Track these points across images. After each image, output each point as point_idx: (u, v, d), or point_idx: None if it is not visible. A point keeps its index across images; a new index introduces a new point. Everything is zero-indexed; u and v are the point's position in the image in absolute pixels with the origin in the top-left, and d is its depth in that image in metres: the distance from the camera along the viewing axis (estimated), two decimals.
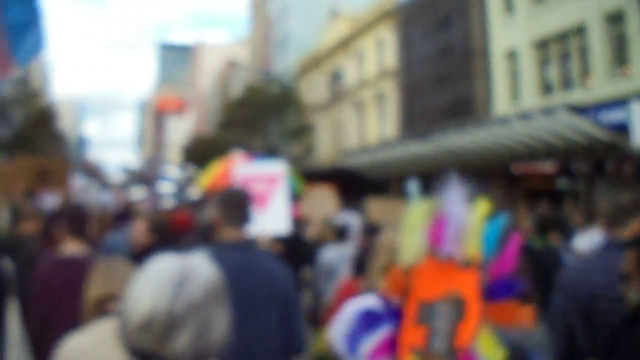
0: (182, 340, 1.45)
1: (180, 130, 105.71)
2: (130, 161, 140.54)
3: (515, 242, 1.68)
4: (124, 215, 8.32)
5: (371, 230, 6.76)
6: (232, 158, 10.85)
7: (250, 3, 66.68)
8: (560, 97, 19.02)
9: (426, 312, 1.65)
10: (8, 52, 3.42)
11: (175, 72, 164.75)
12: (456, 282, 1.65)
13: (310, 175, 31.72)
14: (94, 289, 2.65)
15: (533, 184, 20.61)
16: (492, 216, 1.71)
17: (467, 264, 1.66)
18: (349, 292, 4.02)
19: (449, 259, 1.69)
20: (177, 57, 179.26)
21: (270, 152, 38.42)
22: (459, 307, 1.63)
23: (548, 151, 17.45)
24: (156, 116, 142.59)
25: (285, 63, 48.72)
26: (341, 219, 9.86)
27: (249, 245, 3.20)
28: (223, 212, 3.18)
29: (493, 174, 20.65)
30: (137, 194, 32.43)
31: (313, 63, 42.22)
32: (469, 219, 1.70)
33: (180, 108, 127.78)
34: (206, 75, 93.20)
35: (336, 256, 6.11)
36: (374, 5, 33.59)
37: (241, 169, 5.54)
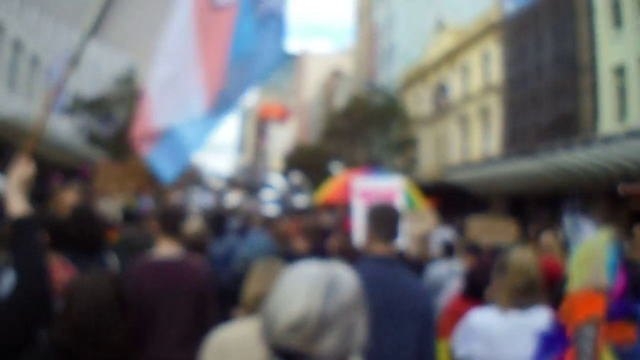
0: (329, 342, 1.50)
1: (282, 138, 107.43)
2: (225, 168, 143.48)
3: (623, 266, 1.82)
4: (219, 219, 8.33)
5: (473, 249, 6.83)
6: (348, 172, 11.00)
7: (355, 13, 67.34)
8: None
9: (577, 334, 1.80)
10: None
11: (279, 79, 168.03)
12: (593, 306, 1.79)
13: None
14: (252, 287, 2.75)
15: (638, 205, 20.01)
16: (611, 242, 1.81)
17: (598, 289, 1.82)
18: (460, 308, 4.27)
19: (597, 288, 1.88)
20: (282, 64, 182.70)
21: (373, 164, 38.67)
22: (595, 329, 1.78)
23: None
24: (258, 123, 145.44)
25: (390, 75, 48.88)
26: (441, 235, 10.02)
27: (396, 260, 3.25)
28: (373, 226, 3.24)
29: (598, 194, 20.16)
30: (233, 199, 32.90)
31: (418, 75, 42.31)
32: (595, 247, 1.87)
33: (282, 116, 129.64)
34: (310, 84, 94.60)
35: (445, 272, 6.23)
36: (480, 17, 33.39)
37: (359, 182, 5.49)
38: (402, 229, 3.34)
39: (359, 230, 4.94)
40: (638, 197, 20.02)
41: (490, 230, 8.78)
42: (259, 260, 3.13)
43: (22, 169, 2.53)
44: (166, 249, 4.03)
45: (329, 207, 14.73)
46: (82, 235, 3.87)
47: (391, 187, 5.49)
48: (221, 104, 3.44)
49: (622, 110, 21.52)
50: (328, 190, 12.96)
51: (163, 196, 10.03)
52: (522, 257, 3.37)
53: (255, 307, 2.58)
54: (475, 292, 4.36)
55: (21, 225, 2.33)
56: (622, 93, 21.51)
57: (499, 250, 6.07)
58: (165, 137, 3.31)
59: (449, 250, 7.14)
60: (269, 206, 24.85)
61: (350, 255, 4.66)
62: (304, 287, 1.54)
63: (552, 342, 1.97)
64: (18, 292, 2.12)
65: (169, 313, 3.74)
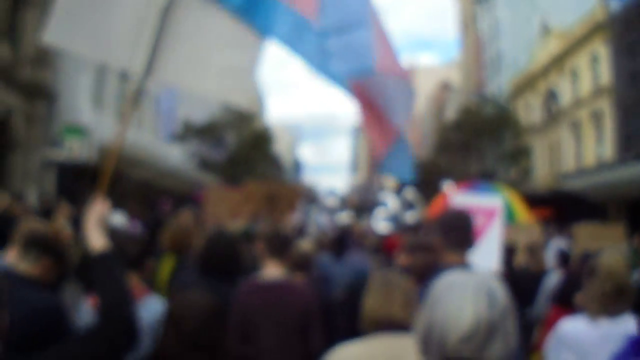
0: (497, 348, 1.54)
1: None
2: (340, 186, 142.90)
3: None
4: (342, 239, 8.24)
5: (562, 257, 6.89)
6: (450, 188, 10.87)
7: (460, 24, 66.83)
8: None
9: None
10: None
11: None
12: None
13: (526, 200, 31.18)
14: (371, 302, 2.69)
15: None
16: None
17: None
18: (553, 318, 4.21)
19: None
20: None
21: (486, 177, 38.13)
22: None
23: None
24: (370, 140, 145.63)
25: (499, 84, 48.24)
26: (556, 245, 10.00)
27: (469, 269, 3.01)
28: (444, 235, 3.18)
29: None
30: (345, 218, 32.78)
31: (527, 83, 41.48)
32: None
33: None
34: (420, 99, 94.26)
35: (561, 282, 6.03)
36: (586, 18, 32.46)
37: (458, 199, 5.31)
38: (507, 241, 3.28)
39: None
40: None
41: (598, 236, 8.59)
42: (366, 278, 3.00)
43: (100, 207, 2.65)
44: (272, 271, 4.14)
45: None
46: (222, 260, 4.13)
47: (491, 206, 5.13)
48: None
49: None
50: (434, 206, 12.91)
51: (280, 218, 9.75)
52: (612, 261, 3.25)
53: (374, 325, 2.62)
54: (567, 300, 4.24)
55: (102, 259, 2.43)
56: None
57: (588, 256, 6.17)
58: (398, 139, 3.42)
59: (564, 260, 7.11)
60: (382, 224, 24.69)
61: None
62: (469, 297, 1.58)
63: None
64: (104, 323, 2.23)
65: (274, 333, 3.84)
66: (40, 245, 3.04)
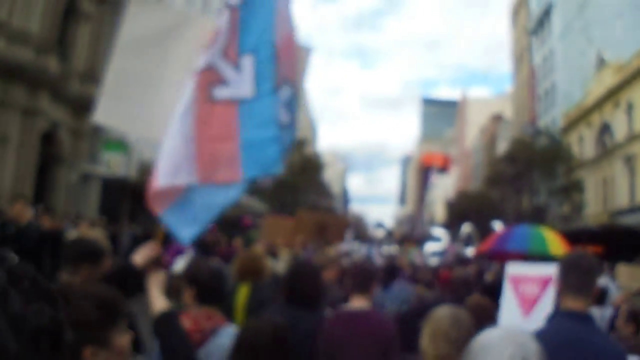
0: None
1: (444, 186, 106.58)
2: (387, 218, 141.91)
3: None
4: (391, 271, 8.33)
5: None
6: (500, 226, 10.73)
7: (513, 57, 66.51)
8: None
9: None
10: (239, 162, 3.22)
11: (439, 127, 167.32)
12: None
13: (578, 235, 30.57)
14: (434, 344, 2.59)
15: None
16: None
17: None
18: None
19: None
20: (440, 113, 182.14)
21: (537, 212, 37.47)
22: None
23: None
24: (420, 172, 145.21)
25: (552, 116, 47.67)
26: (602, 282, 9.55)
27: (590, 317, 2.96)
28: (564, 278, 3.03)
29: None
30: (391, 251, 31.78)
31: (580, 116, 40.86)
32: None
33: (444, 164, 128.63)
34: (471, 131, 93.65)
35: (597, 318, 6.18)
36: None
37: (513, 267, 5.15)
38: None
39: (504, 315, 4.85)
40: None
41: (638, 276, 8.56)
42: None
43: (159, 275, 2.97)
44: (358, 302, 4.41)
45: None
46: (306, 289, 4.32)
47: (546, 274, 4.96)
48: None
49: None
50: (484, 244, 12.80)
51: (325, 247, 10.17)
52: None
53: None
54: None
55: (165, 319, 2.75)
56: None
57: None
58: (181, 199, 3.35)
59: (601, 297, 7.03)
60: (432, 258, 24.54)
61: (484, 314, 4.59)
62: (508, 352, 1.69)
63: None
64: None
65: (358, 358, 4.07)
66: (78, 253, 3.34)
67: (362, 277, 4.48)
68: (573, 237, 31.45)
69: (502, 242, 8.70)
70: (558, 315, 3.00)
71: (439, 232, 55.47)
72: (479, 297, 5.33)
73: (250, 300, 5.15)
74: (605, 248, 28.12)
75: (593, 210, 36.95)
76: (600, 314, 6.21)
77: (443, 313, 2.56)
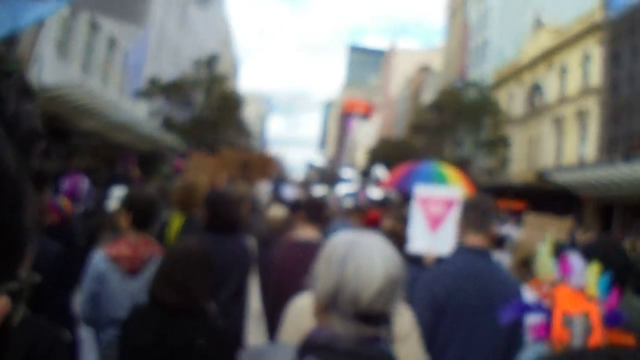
0: (399, 298, 1.72)
1: (366, 133, 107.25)
2: (315, 158, 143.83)
3: (616, 289, 2.23)
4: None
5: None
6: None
7: (447, 11, 66.52)
8: None
9: (567, 320, 2.14)
10: None
11: (365, 75, 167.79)
12: (586, 308, 2.16)
13: (503, 190, 31.26)
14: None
15: None
16: (604, 273, 2.26)
17: (591, 299, 2.19)
18: None
19: (579, 289, 2.23)
20: (367, 61, 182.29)
21: (461, 163, 37.95)
22: (589, 324, 2.13)
23: None
24: (342, 117, 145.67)
25: (481, 71, 48.07)
26: (504, 230, 10.74)
27: (487, 252, 3.29)
28: (465, 216, 3.35)
29: None
30: (319, 191, 32.49)
31: (512, 74, 41.38)
32: (588, 271, 2.25)
33: (367, 111, 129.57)
34: (397, 80, 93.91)
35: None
36: (582, 17, 32.31)
37: (420, 190, 5.57)
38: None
39: (413, 232, 5.28)
40: None
41: (544, 227, 8.73)
42: None
43: None
44: (308, 232, 4.63)
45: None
46: (217, 217, 4.46)
47: (451, 196, 5.47)
48: None
49: None
50: (389, 178, 13.35)
51: (251, 184, 10.60)
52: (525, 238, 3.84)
53: None
54: None
55: None
56: None
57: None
58: None
59: (499, 243, 7.95)
60: (345, 199, 24.48)
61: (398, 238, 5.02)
62: (377, 256, 1.69)
63: (532, 307, 2.28)
64: None
65: (302, 285, 4.11)
66: None
67: (314, 207, 4.78)
68: (498, 191, 32.42)
69: (406, 178, 9.04)
70: (461, 250, 3.29)
71: (349, 173, 55.89)
72: (393, 223, 6.34)
73: (184, 229, 5.30)
74: (528, 205, 28.98)
75: (518, 167, 37.73)
76: (499, 258, 6.48)
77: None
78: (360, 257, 1.69)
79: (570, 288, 2.25)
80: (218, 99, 34.82)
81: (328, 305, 1.70)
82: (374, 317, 1.66)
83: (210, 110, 34.02)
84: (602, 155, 27.26)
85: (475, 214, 3.31)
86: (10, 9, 3.43)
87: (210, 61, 34.85)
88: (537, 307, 2.26)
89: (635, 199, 20.89)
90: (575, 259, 2.30)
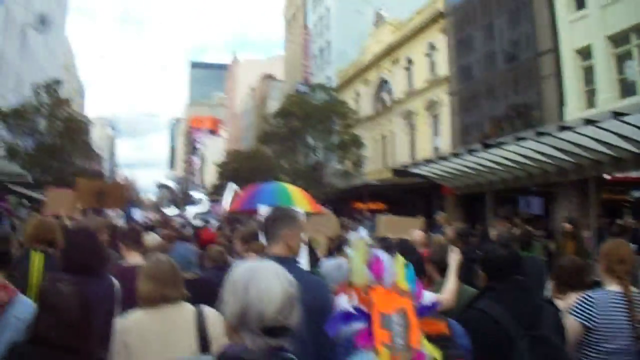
0: (296, 314, 1.99)
1: (214, 149, 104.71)
2: (165, 179, 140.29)
3: (420, 281, 2.47)
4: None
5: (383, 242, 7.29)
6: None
7: (285, 19, 65.52)
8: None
9: (386, 321, 2.24)
10: None
11: (209, 91, 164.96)
12: (401, 303, 2.30)
13: (360, 191, 29.93)
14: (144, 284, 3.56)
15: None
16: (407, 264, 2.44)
17: (403, 293, 2.34)
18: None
19: (392, 288, 2.35)
20: (210, 76, 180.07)
21: (314, 168, 36.36)
22: (406, 320, 2.25)
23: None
24: (188, 135, 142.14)
25: (326, 75, 47.30)
26: (360, 234, 10.92)
27: (290, 259, 3.47)
28: (267, 230, 3.65)
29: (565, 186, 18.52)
30: (170, 212, 32.82)
31: (356, 73, 40.49)
32: (395, 266, 2.40)
33: (213, 126, 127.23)
34: (241, 92, 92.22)
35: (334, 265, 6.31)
36: (423, 8, 31.75)
37: (262, 210, 6.14)
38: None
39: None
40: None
41: (397, 227, 9.52)
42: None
43: None
44: (133, 258, 5.16)
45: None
46: (75, 257, 4.14)
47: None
48: None
49: (586, 98, 19.97)
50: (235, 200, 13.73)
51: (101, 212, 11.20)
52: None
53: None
54: None
55: None
56: (587, 77, 19.94)
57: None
58: None
59: (339, 247, 8.15)
60: (196, 220, 24.98)
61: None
62: (274, 278, 1.98)
63: (352, 316, 2.31)
64: None
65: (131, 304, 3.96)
66: None
67: (135, 234, 5.40)
68: (355, 193, 30.84)
69: (251, 199, 9.12)
70: (274, 258, 2.96)
71: (197, 194, 55.82)
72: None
73: (46, 268, 4.73)
74: (388, 205, 27.72)
75: (373, 167, 36.60)
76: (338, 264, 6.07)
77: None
78: (260, 281, 1.96)
79: (384, 288, 2.32)
80: (62, 124, 34.20)
81: (237, 325, 1.95)
82: (278, 331, 1.94)
83: (55, 135, 33.47)
84: (456, 145, 26.34)
85: (273, 226, 3.53)
86: None
87: (51, 85, 33.72)
88: (358, 314, 2.29)
89: (499, 185, 19.87)
90: (384, 256, 2.39)
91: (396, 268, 2.37)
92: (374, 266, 2.36)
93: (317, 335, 2.96)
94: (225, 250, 6.97)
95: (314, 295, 3.13)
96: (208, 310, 3.38)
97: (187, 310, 3.40)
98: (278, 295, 1.92)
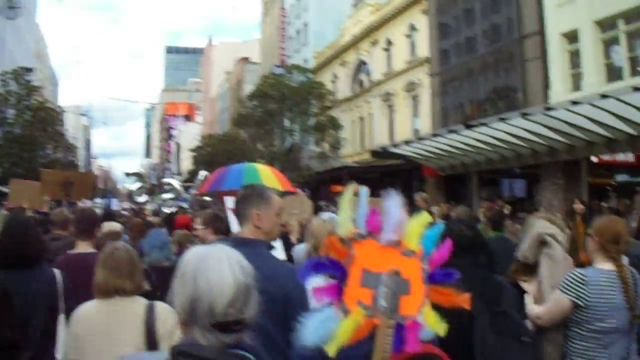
0: (253, 306, 1.78)
1: (190, 135, 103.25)
2: (137, 167, 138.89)
3: (448, 243, 2.09)
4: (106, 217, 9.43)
5: None
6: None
7: (263, 0, 64.43)
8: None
9: (370, 279, 2.00)
10: None
11: (184, 76, 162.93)
12: (399, 264, 2.01)
13: (339, 173, 29.35)
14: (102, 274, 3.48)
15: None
16: (433, 224, 2.13)
17: (410, 254, 2.04)
18: None
19: (390, 245, 2.05)
20: (185, 61, 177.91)
21: (291, 150, 35.67)
22: (403, 284, 1.99)
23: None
24: (163, 122, 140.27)
25: (303, 56, 46.59)
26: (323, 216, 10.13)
27: (254, 242, 3.23)
28: (236, 209, 3.50)
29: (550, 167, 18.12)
30: (142, 199, 33.12)
31: (334, 55, 39.73)
32: (408, 223, 2.06)
33: (189, 112, 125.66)
34: (217, 76, 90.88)
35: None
36: None
37: (229, 202, 6.23)
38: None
39: (232, 224, 5.57)
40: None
41: (288, 205, 9.09)
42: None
43: None
44: (84, 247, 5.01)
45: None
46: (11, 250, 4.04)
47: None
48: None
49: (572, 80, 19.60)
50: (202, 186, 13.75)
51: (75, 204, 11.51)
52: (318, 224, 5.05)
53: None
54: None
55: None
56: (574, 61, 19.62)
57: None
58: None
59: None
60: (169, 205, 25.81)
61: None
62: (226, 267, 1.75)
63: (322, 266, 2.06)
64: None
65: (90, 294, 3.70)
66: None
67: (86, 223, 5.14)
68: (333, 176, 30.25)
69: (219, 182, 9.01)
70: (234, 241, 3.12)
71: (171, 181, 55.70)
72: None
73: None
74: (367, 186, 27.09)
75: (352, 148, 36.06)
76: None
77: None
78: (209, 271, 1.73)
79: (378, 244, 2.07)
80: (33, 113, 33.52)
81: (188, 319, 1.75)
82: (232, 325, 1.73)
83: (25, 125, 32.87)
84: (436, 127, 25.79)
85: (241, 206, 3.35)
86: None
87: (20, 73, 33.01)
88: (330, 265, 2.06)
89: (484, 165, 19.44)
90: (395, 209, 2.07)
91: (409, 225, 2.06)
92: (369, 218, 2.09)
93: (284, 327, 2.78)
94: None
95: (279, 284, 2.91)
96: (160, 306, 3.23)
97: (139, 304, 3.28)
98: (229, 286, 1.73)
